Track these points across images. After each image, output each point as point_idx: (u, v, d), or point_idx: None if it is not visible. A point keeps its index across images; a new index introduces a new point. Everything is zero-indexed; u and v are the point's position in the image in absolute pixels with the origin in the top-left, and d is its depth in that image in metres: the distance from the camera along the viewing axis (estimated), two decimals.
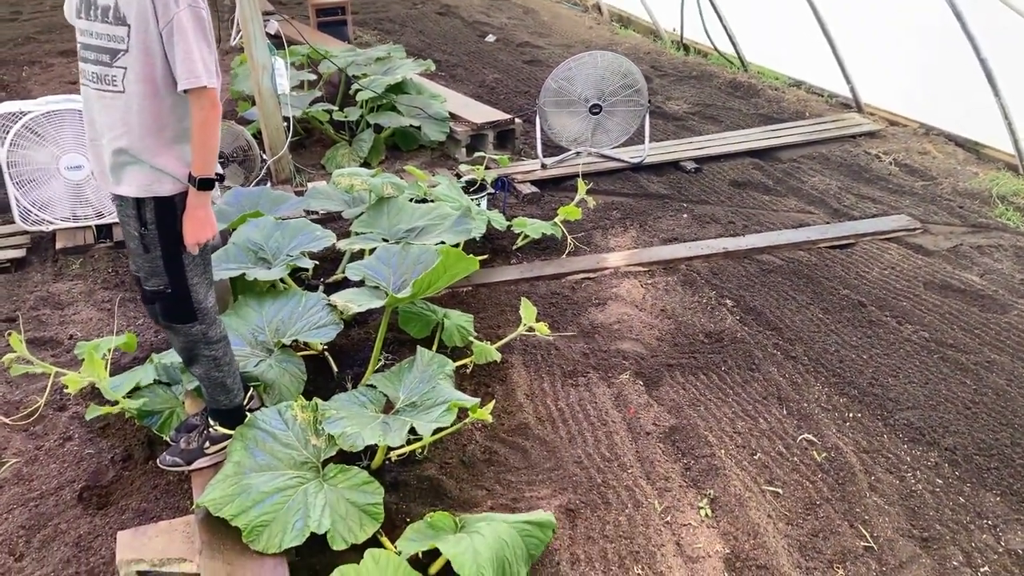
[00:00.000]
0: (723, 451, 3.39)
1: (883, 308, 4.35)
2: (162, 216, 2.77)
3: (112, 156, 2.70)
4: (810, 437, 3.46)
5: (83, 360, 3.49)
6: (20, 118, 4.79)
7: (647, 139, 6.20)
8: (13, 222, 5.10)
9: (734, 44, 8.33)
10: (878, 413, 3.61)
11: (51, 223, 5.06)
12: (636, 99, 6.03)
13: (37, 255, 5.05)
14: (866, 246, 4.98)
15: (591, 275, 4.74)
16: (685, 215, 5.46)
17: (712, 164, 6.22)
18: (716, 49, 8.65)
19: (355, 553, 2.67)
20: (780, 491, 3.20)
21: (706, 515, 3.08)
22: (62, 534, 3.04)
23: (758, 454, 3.39)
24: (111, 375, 3.50)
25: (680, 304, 4.43)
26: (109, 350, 3.70)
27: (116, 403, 3.42)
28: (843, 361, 3.95)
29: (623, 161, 6.16)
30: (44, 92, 7.29)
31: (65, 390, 3.60)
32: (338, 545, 2.69)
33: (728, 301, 4.45)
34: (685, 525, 3.04)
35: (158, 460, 3.19)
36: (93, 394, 3.67)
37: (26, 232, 5.11)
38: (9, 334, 3.55)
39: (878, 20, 6.80)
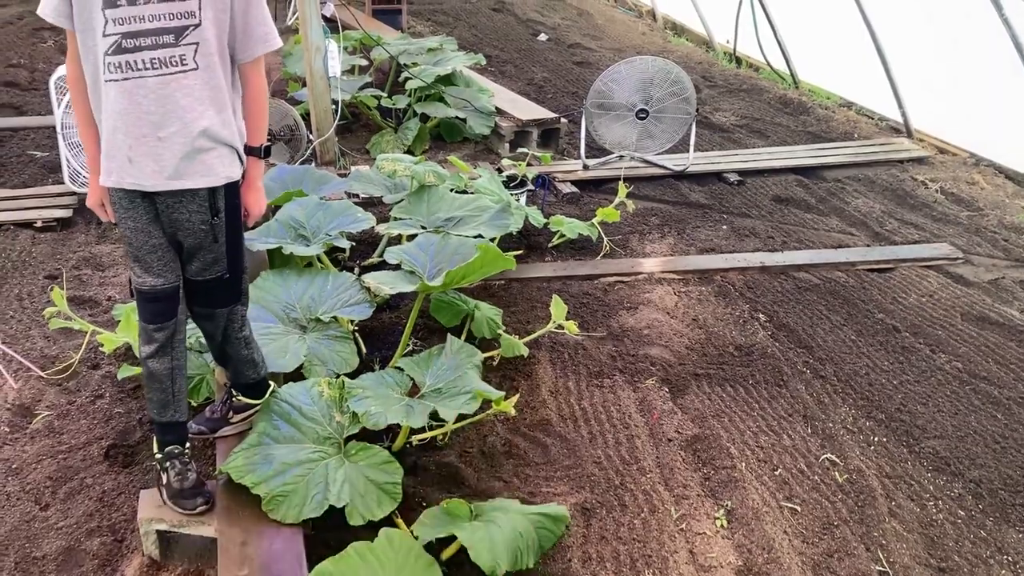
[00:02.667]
0: (744, 464, 3.37)
1: (917, 335, 4.30)
2: (230, 198, 2.70)
3: (190, 142, 2.53)
4: (833, 457, 3.44)
5: (119, 321, 3.57)
6: None
7: (692, 148, 6.17)
8: (62, 183, 5.20)
9: (787, 60, 8.26)
10: (904, 439, 3.58)
11: None
12: (684, 107, 6.01)
13: (83, 216, 5.15)
14: (905, 272, 4.93)
15: (625, 279, 4.74)
16: (724, 226, 5.43)
17: (755, 178, 6.18)
18: (768, 64, 8.59)
19: (370, 531, 2.70)
20: (798, 508, 3.18)
21: (722, 526, 3.07)
22: (87, 488, 3.10)
23: (779, 470, 3.37)
24: None
25: (712, 315, 4.41)
26: None
27: None
28: (872, 385, 3.92)
29: (666, 168, 6.14)
30: None
31: (100, 348, 3.68)
32: (355, 520, 2.72)
33: (761, 315, 4.43)
34: (700, 534, 3.04)
35: None
36: (126, 355, 3.74)
37: (74, 193, 5.21)
38: (51, 290, 3.64)
39: (934, 46, 6.71)
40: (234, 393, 3.13)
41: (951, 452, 3.50)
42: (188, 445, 2.88)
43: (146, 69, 2.45)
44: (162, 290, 2.66)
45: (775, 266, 4.89)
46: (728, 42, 9.16)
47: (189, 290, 2.77)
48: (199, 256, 2.71)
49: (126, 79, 2.44)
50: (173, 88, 2.48)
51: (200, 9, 2.46)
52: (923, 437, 3.58)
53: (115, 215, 2.65)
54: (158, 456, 2.83)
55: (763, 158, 6.47)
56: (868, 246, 5.22)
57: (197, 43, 2.48)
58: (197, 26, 2.47)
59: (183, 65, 2.48)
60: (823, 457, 3.44)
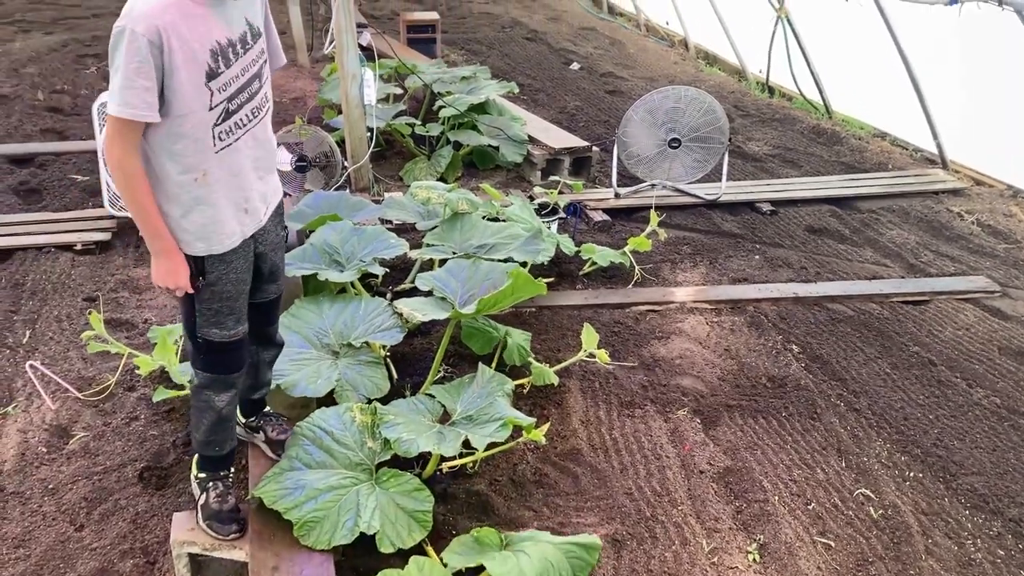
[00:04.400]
0: (777, 497, 3.34)
1: (954, 369, 4.24)
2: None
3: (273, 163, 2.69)
4: (867, 492, 3.39)
5: (155, 344, 3.62)
6: None
7: (724, 177, 6.16)
8: (102, 206, 5.30)
9: (820, 90, 8.25)
10: (940, 475, 3.52)
11: None
12: (716, 137, 6.01)
13: (121, 240, 5.24)
14: (941, 304, 4.87)
15: (656, 308, 4.73)
16: (757, 256, 5.40)
17: (788, 208, 6.15)
18: (801, 94, 8.57)
19: (399, 559, 2.71)
20: (832, 544, 3.13)
21: (754, 560, 3.03)
22: (121, 510, 3.13)
23: (812, 504, 3.32)
24: (180, 362, 3.61)
25: (745, 345, 4.38)
26: (181, 337, 3.82)
27: (183, 388, 3.53)
28: (908, 419, 3.86)
29: (698, 197, 6.14)
30: None
31: (136, 371, 3.73)
32: (385, 548, 2.72)
33: (794, 347, 4.39)
34: (732, 568, 3.00)
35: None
36: (161, 378, 3.78)
37: (113, 217, 5.31)
38: (90, 313, 3.70)
39: (970, 77, 6.67)
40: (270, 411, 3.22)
41: (989, 489, 3.43)
42: (232, 468, 2.92)
43: (252, 120, 2.49)
44: (245, 332, 2.71)
45: (808, 297, 4.85)
46: (761, 72, 9.15)
47: (264, 315, 2.86)
48: (278, 270, 2.83)
49: (238, 139, 2.46)
50: (264, 124, 2.56)
51: (265, 39, 2.55)
52: (960, 473, 3.52)
53: (207, 279, 2.55)
54: (200, 476, 2.87)
55: (796, 188, 6.44)
56: (903, 278, 5.17)
57: (267, 75, 2.58)
58: (267, 61, 2.55)
59: (266, 101, 2.57)
60: (857, 492, 3.39)
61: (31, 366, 3.85)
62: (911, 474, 3.52)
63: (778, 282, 5.05)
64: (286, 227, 2.86)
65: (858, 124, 8.03)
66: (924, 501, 3.37)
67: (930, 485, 3.46)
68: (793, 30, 8.20)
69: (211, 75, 2.33)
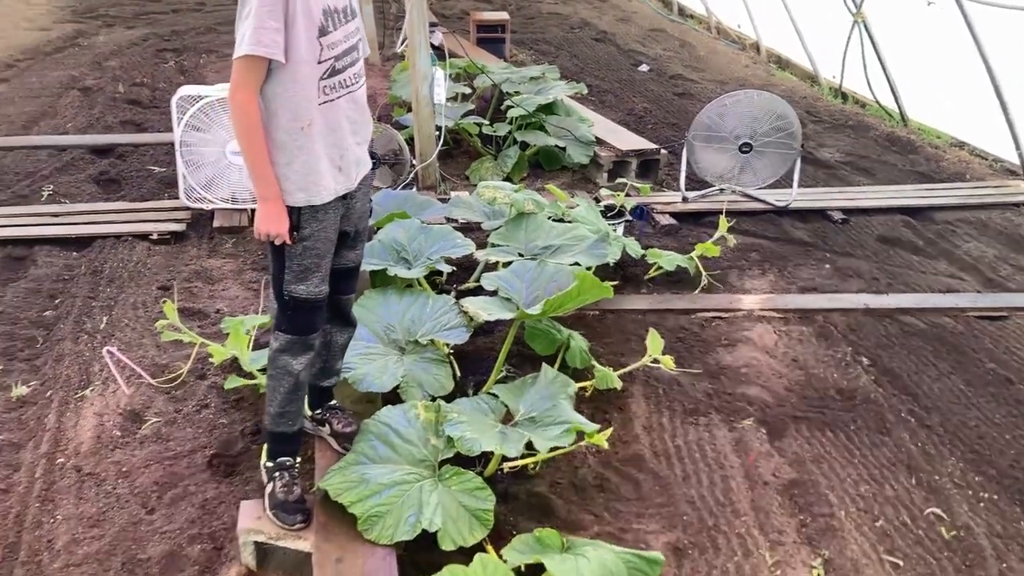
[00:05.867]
0: (843, 512, 3.27)
1: None
2: None
3: (368, 133, 2.90)
4: (939, 512, 3.29)
5: (227, 334, 3.69)
6: (197, 102, 5.12)
7: (795, 184, 6.05)
8: (177, 198, 5.44)
9: (896, 97, 8.05)
10: (1017, 498, 3.40)
11: (212, 202, 5.38)
12: (788, 142, 5.91)
13: (195, 231, 5.37)
14: (1020, 320, 4.71)
15: (723, 315, 4.67)
16: (827, 266, 5.30)
17: (860, 217, 6.02)
18: (876, 100, 8.38)
19: (460, 556, 2.71)
20: (900, 563, 3.05)
21: (819, 575, 2.98)
22: (190, 495, 3.21)
23: (880, 521, 3.24)
24: (253, 349, 3.68)
25: (813, 356, 4.30)
26: (253, 327, 3.89)
27: (253, 377, 3.60)
28: (983, 438, 3.75)
29: (768, 203, 6.04)
30: (218, 79, 7.76)
31: (209, 359, 3.82)
32: (446, 545, 2.73)
33: (864, 359, 4.29)
34: None
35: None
36: (232, 367, 3.86)
37: (188, 208, 5.44)
38: (164, 302, 3.79)
39: None
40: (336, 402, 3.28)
41: None
42: (299, 459, 2.97)
43: (353, 84, 2.73)
44: (327, 294, 2.85)
45: (880, 309, 4.74)
46: (834, 77, 8.98)
47: (341, 282, 2.98)
48: (360, 239, 3.00)
49: (340, 97, 2.68)
50: (362, 92, 2.81)
51: (360, 20, 2.80)
52: None
53: (300, 233, 2.70)
54: (268, 465, 2.93)
55: (869, 196, 6.30)
56: (979, 292, 5.01)
57: (362, 52, 2.80)
58: (362, 38, 2.81)
59: (363, 72, 2.81)
60: (928, 511, 3.30)
61: (108, 351, 3.96)
62: (985, 495, 3.41)
63: (848, 292, 4.94)
64: (371, 200, 3.03)
65: (935, 133, 7.82)
66: (999, 524, 3.26)
67: (1006, 508, 3.35)
68: (870, 35, 8.02)
69: (322, 31, 2.57)
